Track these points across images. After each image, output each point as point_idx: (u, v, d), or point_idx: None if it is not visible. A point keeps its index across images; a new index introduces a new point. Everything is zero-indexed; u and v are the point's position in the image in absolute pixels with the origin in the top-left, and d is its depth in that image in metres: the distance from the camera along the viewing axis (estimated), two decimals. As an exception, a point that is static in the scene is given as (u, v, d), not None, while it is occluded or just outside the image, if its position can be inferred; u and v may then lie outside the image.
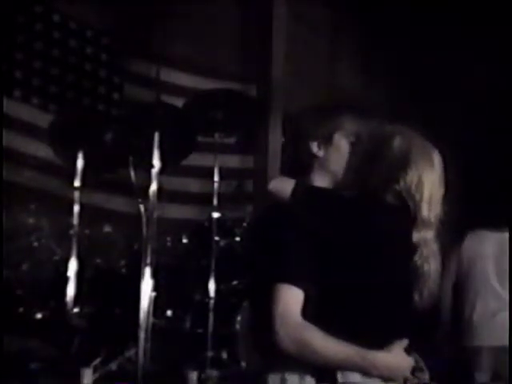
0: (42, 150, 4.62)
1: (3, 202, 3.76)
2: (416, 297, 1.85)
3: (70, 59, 5.23)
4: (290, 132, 2.13)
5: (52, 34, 5.14)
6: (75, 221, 3.96)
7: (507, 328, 3.56)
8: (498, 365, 3.66)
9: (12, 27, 4.86)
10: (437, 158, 1.90)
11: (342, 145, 1.97)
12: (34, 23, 5.04)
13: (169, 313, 4.06)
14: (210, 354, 3.68)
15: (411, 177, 1.84)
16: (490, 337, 3.74)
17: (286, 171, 2.07)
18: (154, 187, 3.57)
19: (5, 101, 4.64)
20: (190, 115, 4.15)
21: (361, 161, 1.92)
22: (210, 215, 4.08)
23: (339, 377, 1.70)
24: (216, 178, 4.17)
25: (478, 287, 3.86)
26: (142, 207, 3.56)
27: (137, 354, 3.36)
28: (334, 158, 1.97)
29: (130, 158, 3.74)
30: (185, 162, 4.32)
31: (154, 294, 3.52)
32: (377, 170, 1.88)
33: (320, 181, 1.97)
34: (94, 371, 3.38)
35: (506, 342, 3.53)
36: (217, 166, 4.18)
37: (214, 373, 3.59)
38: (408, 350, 1.81)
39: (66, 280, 3.82)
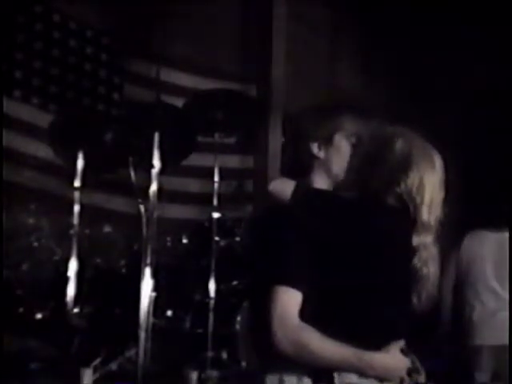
0: (42, 150, 4.62)
1: (3, 202, 3.76)
2: (414, 299, 1.85)
3: (69, 59, 5.23)
4: (290, 133, 2.13)
5: (52, 34, 5.14)
6: (75, 221, 3.96)
7: (507, 327, 3.56)
8: (499, 364, 3.66)
9: (12, 27, 4.86)
10: (438, 161, 1.90)
11: (342, 145, 1.97)
12: (33, 23, 5.03)
13: (169, 313, 4.07)
14: (210, 354, 3.68)
15: (412, 179, 1.83)
16: (490, 336, 3.74)
17: (286, 172, 2.06)
18: (154, 187, 3.57)
19: (5, 101, 4.64)
20: (189, 115, 4.14)
21: (362, 162, 1.91)
22: (210, 215, 4.08)
23: (336, 377, 1.70)
24: (216, 178, 4.17)
25: (477, 287, 3.87)
26: (142, 207, 3.56)
27: (137, 354, 3.36)
28: (334, 159, 1.97)
29: (130, 158, 3.74)
30: (185, 162, 4.32)
31: (154, 294, 3.52)
32: (378, 171, 1.87)
33: (320, 182, 1.96)
34: (94, 371, 3.38)
35: (506, 341, 3.53)
36: (217, 166, 4.18)
37: (214, 373, 3.59)
38: (404, 351, 1.82)
39: (66, 280, 3.81)
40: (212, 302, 3.82)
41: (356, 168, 1.92)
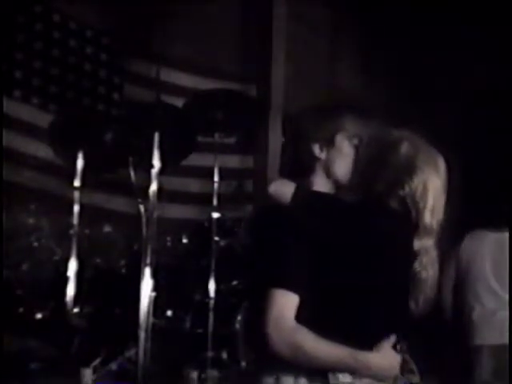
0: (42, 150, 4.62)
1: (3, 202, 3.76)
2: (412, 303, 1.86)
3: (69, 59, 5.23)
4: (290, 133, 2.11)
5: (52, 34, 5.14)
6: (75, 221, 3.96)
7: (507, 327, 3.56)
8: (499, 364, 3.66)
9: (12, 27, 4.86)
10: (442, 165, 1.90)
11: (344, 146, 1.96)
12: (33, 23, 5.04)
13: (169, 313, 4.06)
14: (210, 354, 3.68)
15: (416, 183, 1.83)
16: (490, 336, 3.74)
17: (285, 173, 2.04)
18: (154, 187, 3.57)
19: (5, 101, 4.64)
20: (189, 115, 4.14)
21: (366, 164, 1.91)
22: (210, 215, 4.08)
23: (330, 378, 1.71)
24: (216, 178, 4.17)
25: (476, 287, 3.86)
26: (141, 207, 3.56)
27: (137, 354, 3.36)
28: (336, 160, 1.96)
29: (130, 158, 3.74)
30: (185, 162, 4.32)
31: (154, 294, 3.52)
32: (382, 174, 1.87)
33: (321, 183, 1.96)
34: (94, 371, 3.38)
35: (506, 341, 3.53)
36: (217, 166, 4.18)
37: (214, 373, 3.59)
38: (398, 347, 1.82)
39: (65, 280, 3.81)
40: (212, 301, 3.82)
41: (360, 170, 1.92)
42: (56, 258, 4.11)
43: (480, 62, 5.39)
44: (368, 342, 1.75)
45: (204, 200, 4.40)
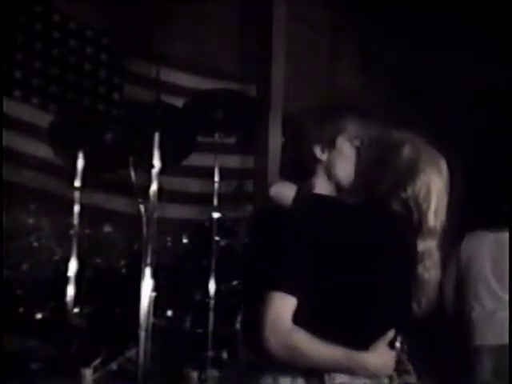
0: (42, 150, 4.62)
1: (3, 202, 3.76)
2: (415, 305, 1.86)
3: (69, 59, 5.23)
4: (291, 135, 2.11)
5: (52, 34, 5.14)
6: (75, 221, 3.96)
7: (507, 327, 3.56)
8: (499, 364, 3.66)
9: (12, 27, 4.86)
10: (444, 166, 1.90)
11: (345, 148, 1.96)
12: (33, 23, 5.04)
13: (169, 313, 4.07)
14: (210, 353, 3.68)
15: (420, 186, 1.83)
16: (489, 336, 3.74)
17: (286, 174, 2.03)
18: (154, 187, 3.57)
19: (5, 101, 4.64)
20: (189, 115, 4.15)
21: (367, 166, 1.91)
22: (210, 215, 4.09)
23: (326, 378, 1.71)
24: (216, 178, 4.17)
25: (476, 287, 3.86)
26: (142, 207, 3.56)
27: (137, 353, 3.36)
28: (337, 162, 1.95)
29: (130, 158, 3.74)
30: (185, 162, 4.32)
31: (154, 294, 3.52)
32: (384, 176, 1.86)
33: (322, 185, 1.95)
34: (94, 371, 3.38)
35: (506, 341, 3.54)
36: (217, 166, 4.18)
37: (214, 373, 3.59)
38: (393, 343, 1.81)
39: (66, 280, 3.82)
40: (212, 302, 3.82)
41: (361, 172, 1.91)
42: (56, 258, 4.11)
43: (480, 61, 5.39)
44: (368, 345, 1.75)
45: (204, 200, 4.41)
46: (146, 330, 3.39)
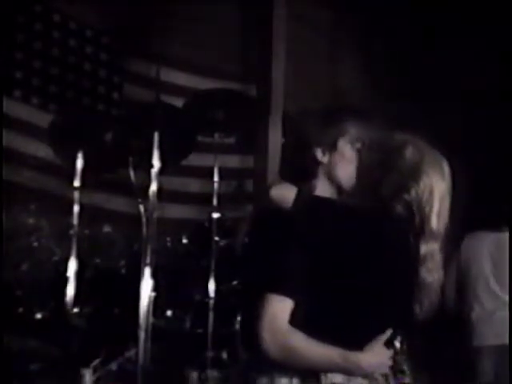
0: (42, 150, 4.61)
1: (3, 202, 3.76)
2: (417, 307, 1.85)
3: (69, 59, 5.23)
4: (292, 137, 2.11)
5: (52, 34, 5.13)
6: (75, 221, 3.96)
7: (507, 327, 3.56)
8: (498, 364, 3.66)
9: (12, 27, 4.86)
10: (446, 168, 1.89)
11: (346, 151, 1.96)
12: (33, 23, 5.03)
13: (169, 313, 4.06)
14: (210, 354, 3.68)
15: (423, 188, 1.82)
16: (489, 336, 3.74)
17: (286, 176, 2.02)
18: (153, 187, 3.57)
19: (5, 101, 4.63)
20: (189, 115, 4.14)
21: (369, 169, 1.90)
22: (210, 215, 4.08)
23: (322, 379, 1.72)
24: (216, 178, 4.17)
25: (476, 287, 3.87)
26: (141, 207, 3.56)
27: (137, 354, 3.36)
28: (338, 164, 1.95)
29: (130, 158, 3.74)
30: (185, 162, 4.32)
31: (153, 294, 3.52)
32: (387, 179, 1.86)
33: (323, 187, 1.95)
34: (94, 371, 3.38)
35: (506, 341, 3.54)
36: (217, 166, 4.18)
37: (214, 373, 3.59)
38: (391, 343, 1.81)
39: (65, 280, 3.82)
40: (212, 302, 3.82)
41: (363, 174, 1.91)
42: (56, 258, 4.11)
43: (480, 61, 5.39)
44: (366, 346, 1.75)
45: (204, 200, 4.40)
46: (146, 330, 3.39)
